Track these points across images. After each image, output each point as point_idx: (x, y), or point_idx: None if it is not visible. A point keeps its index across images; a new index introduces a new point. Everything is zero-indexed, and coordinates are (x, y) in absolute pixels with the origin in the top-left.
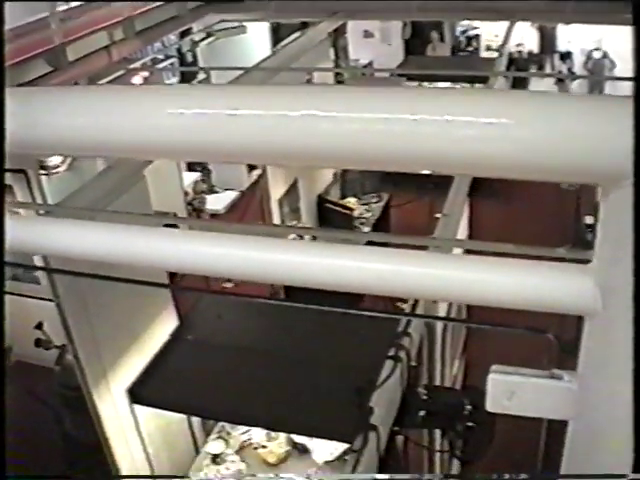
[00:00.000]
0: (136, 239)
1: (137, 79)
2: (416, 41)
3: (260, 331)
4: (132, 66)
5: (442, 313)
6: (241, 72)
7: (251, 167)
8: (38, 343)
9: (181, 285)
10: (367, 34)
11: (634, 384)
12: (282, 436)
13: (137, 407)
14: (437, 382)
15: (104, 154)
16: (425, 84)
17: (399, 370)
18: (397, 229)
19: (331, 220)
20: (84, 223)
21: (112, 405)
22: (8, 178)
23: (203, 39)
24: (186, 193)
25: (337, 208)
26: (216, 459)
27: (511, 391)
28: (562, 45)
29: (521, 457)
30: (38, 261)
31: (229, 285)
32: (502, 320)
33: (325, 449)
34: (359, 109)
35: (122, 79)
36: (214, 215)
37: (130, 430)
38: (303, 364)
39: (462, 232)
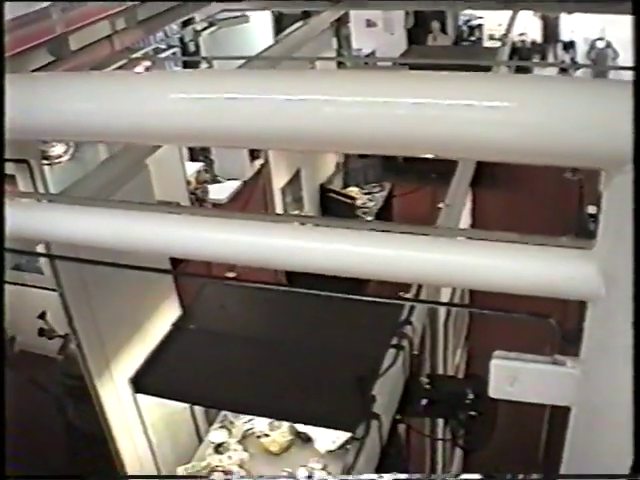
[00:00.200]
0: (139, 224)
1: (139, 69)
2: (419, 31)
3: (263, 320)
4: (134, 56)
5: (444, 307)
6: (243, 61)
7: (253, 157)
8: (41, 332)
9: (184, 272)
10: (370, 23)
11: (634, 380)
12: (285, 425)
13: (140, 396)
14: (440, 371)
15: (106, 139)
16: None
17: (401, 359)
18: (399, 218)
19: (334, 209)
20: (87, 209)
21: (115, 394)
22: (11, 168)
23: (205, 28)
24: (189, 183)
25: (340, 197)
26: (219, 448)
27: (513, 377)
28: (565, 34)
29: (523, 446)
30: (41, 250)
31: (231, 275)
32: (508, 325)
33: (327, 438)
34: (360, 93)
35: (124, 69)
36: (217, 205)
37: (133, 419)
38: (306, 353)
39: (465, 222)
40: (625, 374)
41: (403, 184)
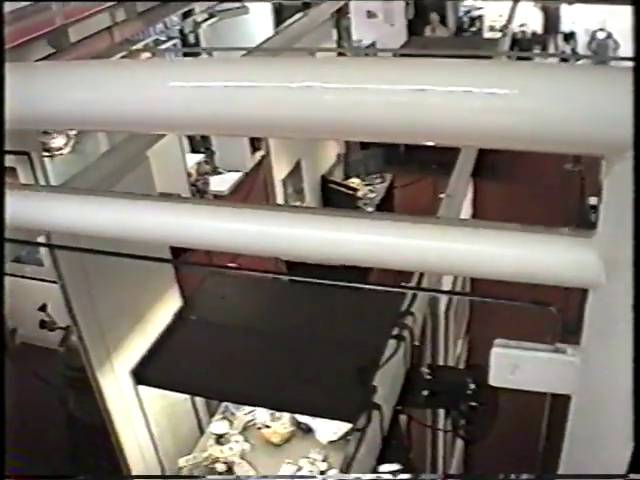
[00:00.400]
0: (141, 213)
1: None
2: (419, 22)
3: (263, 312)
4: (134, 47)
5: (445, 297)
6: (243, 53)
7: (254, 148)
8: (42, 325)
9: (184, 261)
10: (370, 14)
11: (634, 379)
12: (286, 416)
13: (141, 388)
14: (440, 362)
15: (106, 128)
16: None
17: (402, 349)
18: (401, 209)
19: (335, 201)
20: (89, 198)
21: (116, 386)
22: (11, 160)
23: (205, 20)
24: (189, 174)
25: (341, 189)
26: (220, 439)
27: (514, 365)
28: (566, 25)
29: (525, 436)
30: (41, 241)
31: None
32: (509, 315)
33: (328, 429)
34: (362, 80)
35: None
36: (218, 196)
37: (134, 411)
38: (307, 344)
39: (466, 212)
40: (625, 362)
41: (404, 175)
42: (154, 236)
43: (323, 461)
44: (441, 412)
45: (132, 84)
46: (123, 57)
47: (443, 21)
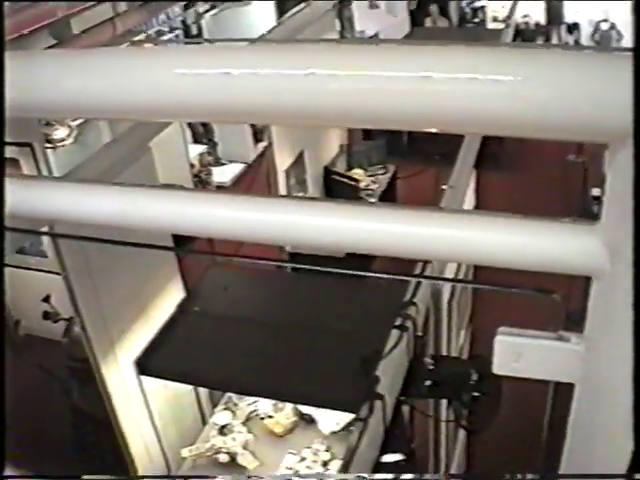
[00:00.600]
0: (145, 202)
1: None
2: (421, 13)
3: (266, 302)
4: (136, 38)
5: (448, 285)
6: (246, 44)
7: (257, 139)
8: (46, 316)
9: (188, 249)
10: (373, 5)
11: (634, 377)
12: (289, 407)
13: (145, 378)
14: (443, 352)
15: (109, 115)
16: None
17: (405, 340)
18: (403, 200)
19: (337, 191)
20: (93, 187)
21: (120, 377)
22: (14, 151)
23: (208, 11)
24: (192, 165)
25: (343, 179)
26: (223, 430)
27: (518, 353)
28: (569, 16)
29: (527, 426)
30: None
31: (235, 258)
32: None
33: (331, 419)
34: (366, 67)
35: None
36: (220, 187)
37: (138, 401)
38: (309, 334)
39: (469, 204)
40: (629, 350)
41: (407, 166)
42: (158, 225)
43: (326, 451)
44: (444, 402)
45: (135, 72)
46: None
47: (443, 13)
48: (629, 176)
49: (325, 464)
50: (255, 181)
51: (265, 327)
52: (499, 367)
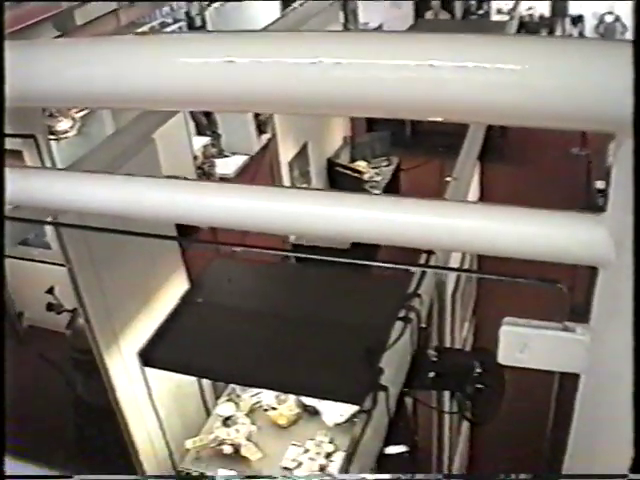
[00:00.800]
0: (149, 191)
1: None
2: (424, 5)
3: (270, 294)
4: (140, 30)
5: (452, 277)
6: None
7: (261, 131)
8: (49, 307)
9: (192, 238)
10: None
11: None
12: (292, 398)
13: (148, 370)
14: (447, 344)
15: (113, 104)
16: None
17: (409, 331)
18: (407, 192)
19: (341, 183)
20: (97, 177)
21: (123, 368)
22: (17, 143)
23: (212, 2)
24: (195, 157)
25: (347, 171)
26: (227, 421)
27: (523, 343)
28: (573, 8)
29: (531, 419)
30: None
31: (238, 249)
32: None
33: (335, 411)
34: (372, 55)
35: None
36: (224, 179)
37: (141, 393)
38: (313, 326)
39: (472, 196)
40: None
41: (411, 158)
42: (163, 214)
43: (329, 443)
44: (447, 394)
45: (138, 60)
46: None
47: (445, 5)
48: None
49: (328, 456)
50: (258, 173)
51: (269, 319)
52: (504, 357)
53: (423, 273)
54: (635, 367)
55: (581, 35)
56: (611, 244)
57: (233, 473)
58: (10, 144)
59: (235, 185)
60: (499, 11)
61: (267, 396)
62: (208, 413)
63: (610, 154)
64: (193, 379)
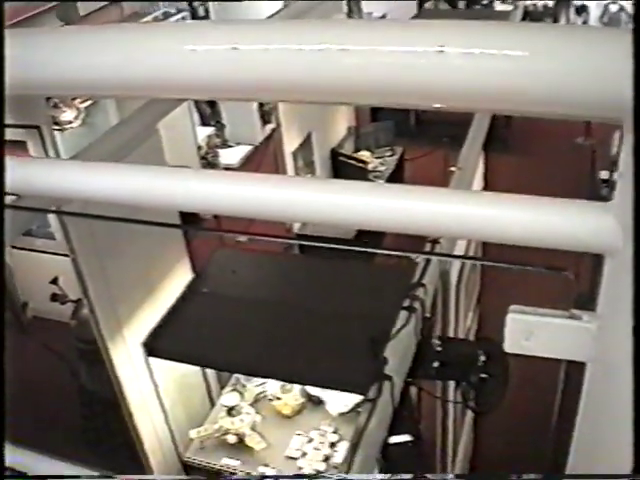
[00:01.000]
0: (154, 180)
1: None
2: None
3: (275, 284)
4: (144, 20)
5: (456, 267)
6: None
7: (265, 121)
8: (54, 298)
9: (197, 226)
10: None
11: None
12: (296, 388)
13: (153, 360)
14: (451, 334)
15: (119, 92)
16: None
17: (413, 321)
18: (411, 182)
19: (345, 173)
20: (102, 166)
21: (128, 358)
22: (21, 134)
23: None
24: (200, 147)
25: (351, 161)
26: (231, 411)
27: (530, 331)
28: None
29: (535, 408)
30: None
31: (243, 239)
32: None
33: (339, 401)
34: (380, 42)
35: None
36: (228, 169)
37: (146, 383)
38: (318, 316)
39: (477, 186)
40: None
41: (415, 148)
42: (168, 203)
43: (334, 433)
44: (451, 384)
45: (142, 48)
46: None
47: None
48: None
49: (333, 445)
50: (263, 163)
51: (273, 308)
52: (510, 345)
53: (427, 263)
54: (635, 367)
55: (585, 24)
56: (618, 232)
57: (237, 463)
58: (14, 135)
59: (240, 173)
60: (503, 0)
61: (272, 386)
62: (213, 403)
63: (614, 144)
64: (198, 369)
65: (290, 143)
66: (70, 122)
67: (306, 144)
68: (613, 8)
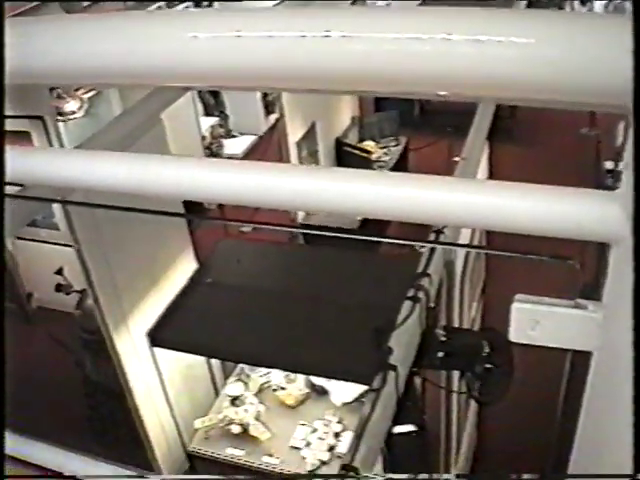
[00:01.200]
0: (159, 169)
1: None
2: None
3: (279, 274)
4: (148, 9)
5: (461, 256)
6: None
7: (269, 111)
8: (58, 288)
9: (201, 215)
10: None
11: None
12: (301, 378)
13: (157, 350)
14: (456, 324)
15: (122, 80)
16: None
17: (418, 311)
18: (415, 172)
19: (349, 163)
20: (106, 155)
21: (132, 348)
22: (25, 124)
23: None
24: (203, 137)
25: (355, 151)
26: (235, 401)
27: (535, 321)
28: None
29: (539, 399)
30: (57, 207)
31: (247, 230)
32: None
33: (343, 391)
34: (385, 28)
35: None
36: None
37: (150, 373)
38: (322, 306)
39: (481, 176)
40: None
41: (419, 138)
42: (172, 191)
43: (338, 423)
44: (456, 374)
45: (146, 35)
46: None
47: None
48: None
49: (337, 435)
50: (267, 153)
51: (277, 298)
52: (516, 335)
53: (432, 252)
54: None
55: None
56: (624, 221)
57: (242, 453)
58: (18, 125)
59: (244, 162)
60: None
61: (276, 376)
62: (217, 393)
63: (619, 134)
64: (202, 359)
65: (294, 133)
66: (74, 112)
67: (310, 134)
68: None
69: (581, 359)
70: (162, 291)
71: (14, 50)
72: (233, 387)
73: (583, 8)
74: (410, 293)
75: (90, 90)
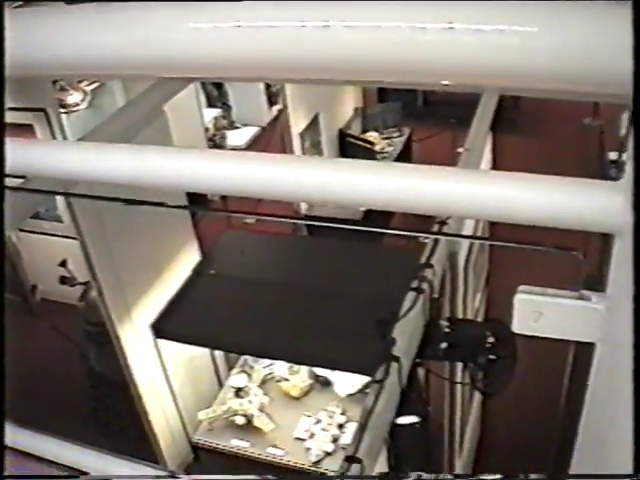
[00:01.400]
0: (162, 160)
1: None
2: None
3: (282, 265)
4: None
5: (465, 248)
6: None
7: (272, 102)
8: (62, 280)
9: (205, 207)
10: None
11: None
12: (304, 370)
13: (161, 342)
14: (459, 315)
15: (122, 71)
16: None
17: (421, 302)
18: (419, 163)
19: (352, 154)
20: (110, 147)
21: (136, 340)
22: (28, 117)
23: None
24: (206, 129)
25: (358, 142)
26: (239, 392)
27: (538, 312)
28: None
29: (543, 390)
30: (60, 200)
31: (250, 221)
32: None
33: (347, 382)
34: (386, 18)
35: None
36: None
37: (154, 365)
38: (325, 297)
39: (485, 167)
40: None
41: (422, 129)
42: (175, 183)
43: (341, 414)
44: (459, 365)
45: (146, 26)
46: None
47: None
48: None
49: (341, 426)
50: (270, 144)
51: (281, 290)
52: (519, 326)
53: (435, 244)
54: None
55: None
56: (627, 211)
57: (246, 444)
58: (21, 118)
59: (247, 153)
60: None
61: (279, 367)
62: (221, 384)
63: (623, 125)
64: (206, 351)
65: (297, 124)
66: (77, 105)
67: (313, 125)
68: None
69: (585, 350)
70: (166, 283)
71: (14, 42)
72: (237, 378)
73: None
74: (414, 284)
75: (93, 82)
